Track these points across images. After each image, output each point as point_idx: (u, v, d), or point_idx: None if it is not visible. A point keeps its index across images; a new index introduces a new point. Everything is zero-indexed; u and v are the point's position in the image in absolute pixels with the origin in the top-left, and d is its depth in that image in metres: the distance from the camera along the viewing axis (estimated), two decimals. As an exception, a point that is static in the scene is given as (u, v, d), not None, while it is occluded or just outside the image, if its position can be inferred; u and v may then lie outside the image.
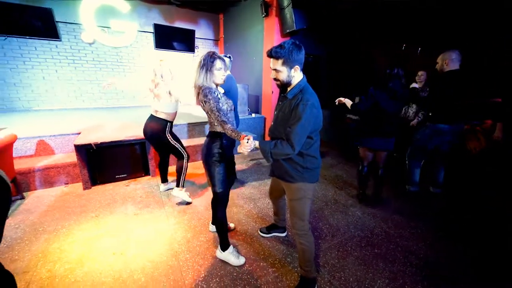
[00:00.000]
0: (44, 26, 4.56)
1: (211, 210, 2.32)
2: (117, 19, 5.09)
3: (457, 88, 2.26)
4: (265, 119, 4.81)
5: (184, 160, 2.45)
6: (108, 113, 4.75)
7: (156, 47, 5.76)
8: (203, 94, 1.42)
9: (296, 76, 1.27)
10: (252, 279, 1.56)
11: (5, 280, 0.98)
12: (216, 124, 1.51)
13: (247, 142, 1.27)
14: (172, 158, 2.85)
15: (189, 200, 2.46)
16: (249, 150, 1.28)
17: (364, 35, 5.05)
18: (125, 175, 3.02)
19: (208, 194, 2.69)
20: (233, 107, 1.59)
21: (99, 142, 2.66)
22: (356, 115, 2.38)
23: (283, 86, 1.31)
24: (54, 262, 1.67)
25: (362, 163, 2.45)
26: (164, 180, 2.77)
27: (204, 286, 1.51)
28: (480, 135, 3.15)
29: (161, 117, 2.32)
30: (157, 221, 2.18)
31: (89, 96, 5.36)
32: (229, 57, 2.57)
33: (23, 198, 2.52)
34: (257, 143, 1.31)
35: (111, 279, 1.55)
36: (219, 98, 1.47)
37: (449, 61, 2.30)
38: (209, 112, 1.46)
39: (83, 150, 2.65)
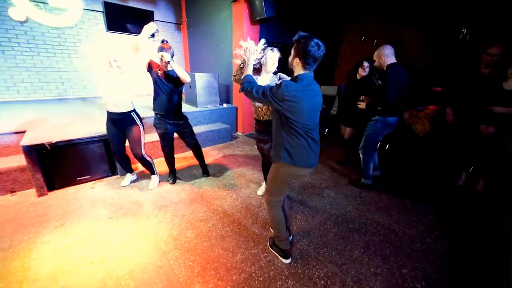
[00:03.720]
0: (-49, -3, 3.59)
1: (193, 205, 2.30)
2: (56, -6, 4.28)
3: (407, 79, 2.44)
4: (236, 108, 4.76)
5: None
6: (54, 106, 4.11)
7: (108, 29, 5.07)
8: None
9: (297, 68, 1.37)
10: (246, 266, 1.63)
11: None
12: None
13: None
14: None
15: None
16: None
17: (333, 25, 5.27)
18: (89, 176, 2.71)
19: (188, 189, 2.62)
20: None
21: (54, 142, 2.32)
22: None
23: (290, 71, 1.43)
24: (19, 282, 1.47)
25: None
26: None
27: (200, 280, 1.52)
28: (424, 119, 3.68)
29: None
30: (137, 222, 2.05)
31: (26, 86, 4.52)
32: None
33: (-44, 213, 2.08)
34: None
35: (95, 289, 1.44)
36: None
37: (385, 57, 2.33)
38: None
39: (33, 152, 2.28)
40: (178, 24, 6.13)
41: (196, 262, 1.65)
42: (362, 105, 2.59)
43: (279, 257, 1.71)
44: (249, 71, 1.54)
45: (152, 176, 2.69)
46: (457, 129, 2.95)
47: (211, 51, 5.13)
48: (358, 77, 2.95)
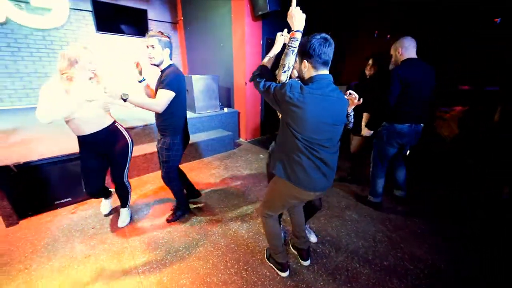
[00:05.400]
0: None
1: (189, 235, 1.91)
2: (38, -8, 3.92)
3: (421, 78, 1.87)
4: (239, 113, 4.37)
5: None
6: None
7: (98, 30, 4.71)
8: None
9: (307, 72, 1.16)
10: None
11: None
12: None
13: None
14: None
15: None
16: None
17: (345, 21, 4.86)
18: (69, 199, 2.33)
19: (185, 220, 2.22)
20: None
21: (21, 162, 1.94)
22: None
23: (301, 81, 1.19)
24: None
25: None
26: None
27: None
28: (450, 122, 3.26)
29: None
30: (120, 263, 1.66)
31: (10, 93, 4.16)
32: (168, 37, 1.74)
33: None
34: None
35: None
36: None
37: (403, 49, 1.90)
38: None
39: (-3, 175, 1.90)
40: (173, 24, 5.75)
41: (192, 327, 1.26)
42: (364, 131, 2.19)
43: (275, 269, 1.59)
44: (267, 61, 1.31)
45: (123, 209, 2.08)
46: (494, 133, 2.54)
47: (210, 51, 4.74)
48: (367, 75, 2.52)
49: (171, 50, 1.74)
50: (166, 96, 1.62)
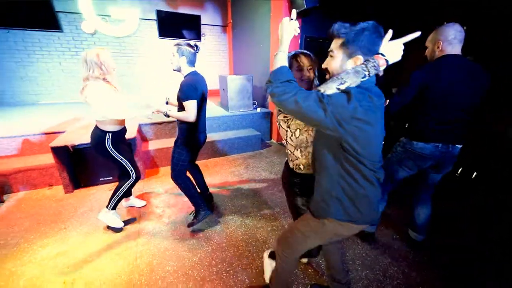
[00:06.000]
0: (44, 17, 4.44)
1: (190, 226, 2.01)
2: (117, 7, 4.81)
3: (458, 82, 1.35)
4: (271, 113, 4.32)
5: (129, 180, 1.98)
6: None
7: (160, 36, 5.44)
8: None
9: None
10: None
11: None
12: None
13: None
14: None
15: (117, 225, 1.99)
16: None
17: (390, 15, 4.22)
18: (110, 177, 2.79)
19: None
20: None
21: (76, 144, 2.43)
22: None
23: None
24: (-4, 289, 1.47)
25: None
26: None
27: None
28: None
29: (98, 126, 1.80)
30: (126, 239, 1.90)
31: (94, 89, 5.26)
32: (195, 46, 1.86)
33: (2, 201, 2.40)
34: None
35: (48, 320, 1.30)
36: None
37: (445, 44, 1.39)
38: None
39: (61, 152, 2.44)
40: (224, 27, 6.11)
41: (159, 313, 1.34)
42: None
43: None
44: (285, 60, 0.90)
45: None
46: None
47: (251, 52, 4.84)
48: None
49: (188, 59, 1.81)
50: (191, 107, 1.76)
